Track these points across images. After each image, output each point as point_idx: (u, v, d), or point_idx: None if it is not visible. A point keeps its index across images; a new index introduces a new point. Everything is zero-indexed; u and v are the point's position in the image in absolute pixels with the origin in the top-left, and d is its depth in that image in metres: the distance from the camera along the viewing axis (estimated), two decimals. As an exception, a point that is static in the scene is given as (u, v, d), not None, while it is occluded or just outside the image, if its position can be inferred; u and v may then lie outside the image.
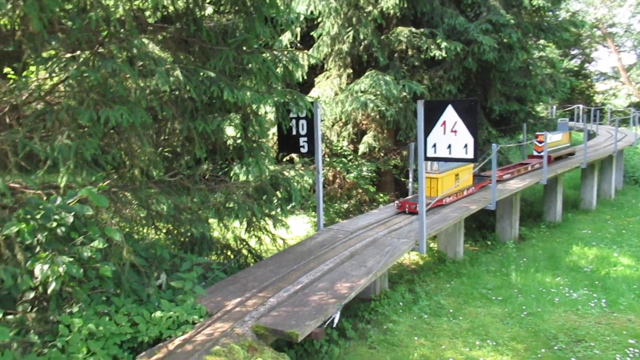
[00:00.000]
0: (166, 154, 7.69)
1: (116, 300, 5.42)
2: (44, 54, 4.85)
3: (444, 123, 7.48)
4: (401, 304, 7.92)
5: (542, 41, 16.19)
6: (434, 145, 7.62)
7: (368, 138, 12.34)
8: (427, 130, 7.62)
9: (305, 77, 12.41)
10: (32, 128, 4.40)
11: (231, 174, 10.42)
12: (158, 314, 5.36)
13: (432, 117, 7.54)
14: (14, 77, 5.29)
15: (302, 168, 9.69)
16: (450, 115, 7.40)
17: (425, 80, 12.33)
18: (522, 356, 6.41)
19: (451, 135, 7.45)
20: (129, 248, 5.65)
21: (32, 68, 5.34)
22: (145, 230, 7.72)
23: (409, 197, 10.99)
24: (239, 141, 7.99)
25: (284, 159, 12.75)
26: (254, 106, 7.58)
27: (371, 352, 6.44)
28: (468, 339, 6.89)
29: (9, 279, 4.06)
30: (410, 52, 12.16)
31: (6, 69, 5.26)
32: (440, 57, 11.63)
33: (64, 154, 4.26)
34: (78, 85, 4.40)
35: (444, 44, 11.47)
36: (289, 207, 12.58)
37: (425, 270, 9.94)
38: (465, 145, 7.37)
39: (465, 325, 7.36)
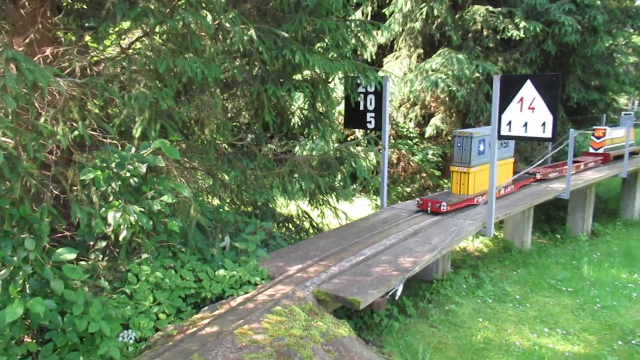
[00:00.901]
0: (235, 122, 7.77)
1: (182, 256, 5.52)
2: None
3: (521, 99, 7.09)
4: (464, 286, 7.64)
5: (629, 29, 15.17)
6: (509, 123, 7.24)
7: (436, 120, 12.00)
8: (503, 107, 7.26)
9: (374, 57, 12.21)
10: (111, 77, 4.50)
11: (296, 149, 10.43)
12: (221, 272, 5.41)
13: (508, 93, 7.17)
14: (93, 44, 5.46)
15: (367, 145, 9.51)
16: (528, 91, 7.01)
17: (499, 62, 11.81)
18: (595, 347, 6.01)
19: (528, 112, 7.06)
20: (196, 206, 5.72)
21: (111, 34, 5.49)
22: (210, 199, 7.85)
23: (433, 194, 9.67)
24: (305, 112, 7.95)
25: (349, 138, 12.63)
26: (323, 75, 7.50)
27: (432, 330, 6.24)
28: (535, 326, 6.55)
29: (84, 218, 4.18)
30: (485, 33, 11.67)
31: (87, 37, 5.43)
32: (517, 38, 11.08)
33: (140, 101, 4.33)
34: (157, 37, 4.44)
35: (522, 24, 10.92)
36: (353, 186, 12.50)
37: (490, 258, 9.57)
38: (544, 124, 6.96)
39: (532, 313, 7.01)
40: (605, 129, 13.04)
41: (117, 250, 5.30)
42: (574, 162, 12.36)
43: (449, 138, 12.46)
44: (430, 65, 10.68)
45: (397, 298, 5.52)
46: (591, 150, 13.92)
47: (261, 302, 5.00)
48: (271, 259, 6.11)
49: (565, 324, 6.70)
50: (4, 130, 3.44)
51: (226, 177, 7.48)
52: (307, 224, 8.35)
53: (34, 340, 4.03)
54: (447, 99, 11.74)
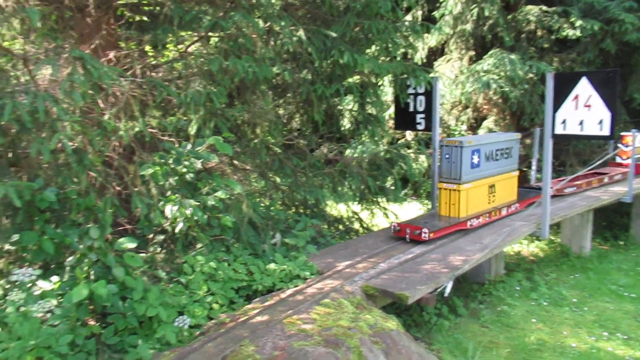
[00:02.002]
0: (286, 128, 7.96)
1: (234, 250, 5.71)
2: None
3: (576, 97, 6.91)
4: (518, 289, 7.46)
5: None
6: (564, 122, 7.07)
7: (488, 123, 11.80)
8: (557, 105, 7.09)
9: (425, 61, 12.18)
10: (168, 77, 4.77)
11: (346, 152, 10.55)
12: (272, 266, 5.57)
13: (562, 91, 7.00)
14: (151, 52, 5.80)
15: (418, 147, 9.49)
16: (584, 88, 6.82)
17: (554, 62, 11.50)
18: (659, 354, 5.73)
19: (584, 110, 6.87)
20: (248, 203, 5.92)
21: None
22: (262, 200, 8.07)
23: (417, 217, 7.73)
24: (355, 114, 8.05)
25: (399, 141, 12.61)
26: (372, 78, 7.59)
27: (483, 330, 6.14)
28: (594, 330, 6.32)
29: (144, 209, 4.43)
30: (539, 33, 11.41)
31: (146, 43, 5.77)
32: (573, 37, 10.76)
33: (195, 100, 4.56)
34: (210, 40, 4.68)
35: (578, 23, 10.60)
36: (404, 191, 12.46)
37: (546, 262, 9.28)
38: (601, 121, 6.75)
39: (591, 317, 6.76)
40: (634, 135, 10.42)
41: (174, 243, 5.56)
42: (599, 173, 10.72)
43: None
44: (482, 67, 10.55)
45: (446, 295, 5.49)
46: (618, 159, 11.70)
47: (310, 295, 5.11)
48: (320, 255, 6.22)
49: (627, 329, 6.42)
50: (72, 124, 3.74)
51: (277, 179, 7.68)
52: (356, 225, 8.42)
53: (97, 324, 4.29)
54: (499, 100, 11.53)
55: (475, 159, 7.23)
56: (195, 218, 4.91)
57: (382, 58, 6.99)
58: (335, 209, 9.54)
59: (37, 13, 3.30)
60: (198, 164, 4.94)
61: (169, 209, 4.81)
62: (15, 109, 3.45)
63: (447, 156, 7.13)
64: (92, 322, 4.32)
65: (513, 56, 10.41)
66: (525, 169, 12.47)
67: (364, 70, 6.76)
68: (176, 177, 4.96)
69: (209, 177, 5.61)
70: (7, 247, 4.24)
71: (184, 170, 4.92)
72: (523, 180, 12.81)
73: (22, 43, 4.56)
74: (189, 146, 4.92)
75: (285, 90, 7.23)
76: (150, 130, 4.81)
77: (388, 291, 5.16)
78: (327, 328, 4.45)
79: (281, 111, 7.93)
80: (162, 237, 5.67)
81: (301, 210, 7.93)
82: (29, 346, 3.67)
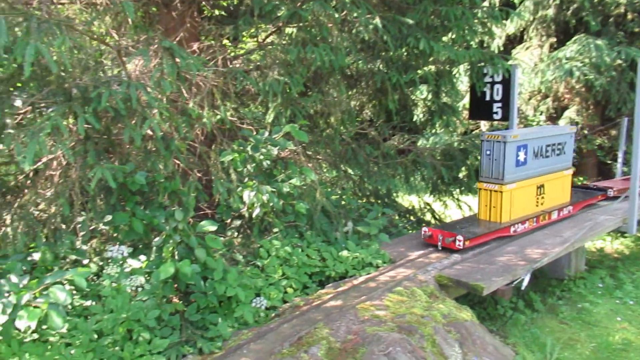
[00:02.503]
0: (358, 118, 7.98)
1: (308, 237, 5.83)
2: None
3: (671, 83, 6.44)
4: (600, 286, 7.10)
5: None
6: (656, 111, 6.61)
7: (570, 113, 11.23)
8: (648, 93, 6.65)
9: (502, 49, 11.76)
10: (248, 67, 4.93)
11: (419, 143, 10.40)
12: (345, 253, 5.63)
13: (655, 78, 6.55)
14: (229, 45, 5.99)
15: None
16: (680, 73, 6.35)
17: (646, 48, 10.74)
18: None
19: (679, 97, 6.39)
20: (321, 191, 6.01)
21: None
22: (334, 189, 8.16)
23: (452, 221, 7.25)
24: (429, 103, 7.93)
25: (473, 132, 12.29)
26: (448, 67, 7.44)
27: (562, 326, 5.91)
28: (685, 332, 5.91)
29: (224, 193, 4.62)
30: (629, 16, 10.69)
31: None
32: (669, 19, 10.01)
33: (274, 88, 4.69)
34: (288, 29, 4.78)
35: (674, 4, 9.84)
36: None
37: (632, 260, 8.75)
38: (700, 111, 6.26)
39: (682, 319, 6.32)
40: None
41: (250, 228, 5.76)
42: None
43: (585, 132, 11.60)
44: (564, 54, 10.04)
45: (523, 288, 5.33)
46: None
47: (382, 282, 5.13)
48: (393, 244, 6.22)
49: None
50: (161, 111, 3.96)
51: (349, 169, 7.73)
52: (428, 216, 8.32)
53: (180, 302, 4.54)
54: (582, 89, 10.94)
55: (522, 156, 6.43)
56: (271, 204, 5.05)
57: (458, 46, 6.84)
58: (407, 200, 9.47)
59: (131, 6, 3.51)
60: (274, 151, 5.07)
61: (247, 195, 4.97)
62: (110, 97, 3.71)
63: (487, 152, 6.38)
64: (175, 300, 4.57)
65: (599, 42, 9.83)
66: (611, 162, 11.81)
67: (439, 58, 6.65)
68: (253, 164, 5.12)
69: (284, 165, 5.76)
70: (101, 227, 4.57)
71: (261, 157, 5.07)
72: (604, 173, 12.15)
73: (115, 36, 4.86)
74: (266, 134, 5.06)
75: (358, 80, 7.25)
76: (230, 118, 4.98)
77: (462, 281, 5.09)
78: (400, 315, 4.46)
79: (353, 102, 7.96)
80: (239, 222, 5.88)
81: (372, 200, 7.94)
82: (120, 319, 3.95)
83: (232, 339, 4.21)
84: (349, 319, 4.36)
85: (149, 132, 4.17)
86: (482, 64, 7.48)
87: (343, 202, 6.86)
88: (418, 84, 6.78)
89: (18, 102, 4.19)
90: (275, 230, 5.55)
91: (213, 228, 4.56)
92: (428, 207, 8.32)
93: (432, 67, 7.50)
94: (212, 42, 5.73)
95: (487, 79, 8.10)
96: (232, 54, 5.99)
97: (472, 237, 5.81)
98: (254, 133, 5.10)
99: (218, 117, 4.79)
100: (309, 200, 5.85)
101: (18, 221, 4.03)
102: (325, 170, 7.93)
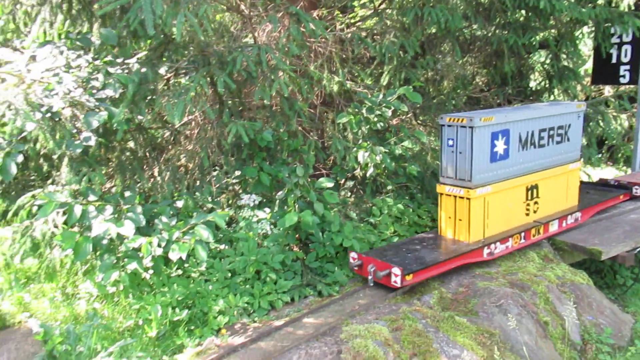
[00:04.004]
0: (472, 83, 7.88)
1: (418, 198, 5.99)
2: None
3: None
4: None
5: None
6: None
7: None
8: None
9: (633, 7, 10.83)
10: (365, 31, 5.13)
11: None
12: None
13: None
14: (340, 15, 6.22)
15: (620, 104, 8.61)
16: None
17: None
18: None
19: None
20: (432, 154, 6.12)
21: None
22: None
23: (388, 244, 4.97)
24: (547, 66, 7.63)
25: (595, 98, 11.52)
26: (569, 27, 7.10)
27: (690, 300, 5.57)
28: None
29: (341, 151, 4.91)
30: None
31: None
32: None
33: (390, 50, 4.85)
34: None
35: None
36: (598, 155, 11.43)
37: None
38: None
39: None
40: None
41: (363, 188, 6.03)
42: None
43: None
44: None
45: (646, 257, 5.08)
46: None
47: (494, 243, 5.18)
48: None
49: None
50: (288, 73, 4.30)
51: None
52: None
53: (300, 250, 4.94)
54: None
55: (500, 146, 4.68)
56: (384, 165, 5.27)
57: (583, 3, 6.50)
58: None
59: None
60: (389, 113, 5.26)
61: (361, 155, 5.23)
62: (243, 61, 4.10)
63: (450, 143, 4.65)
64: (296, 249, 4.99)
65: None
66: None
67: (561, 18, 6.38)
68: (367, 126, 5.35)
69: (396, 129, 5.93)
70: (232, 181, 5.08)
71: (375, 119, 5.29)
72: None
73: (246, 4, 5.26)
74: (381, 96, 5.25)
75: (473, 45, 7.15)
76: (347, 82, 5.24)
77: (579, 245, 4.99)
78: (512, 273, 4.52)
79: (467, 68, 7.86)
80: (352, 182, 6.18)
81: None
82: (250, 261, 4.42)
83: (348, 285, 4.55)
84: (460, 274, 4.50)
85: (275, 93, 4.54)
86: (609, 24, 7.02)
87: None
88: (537, 47, 6.56)
89: (162, 70, 4.75)
90: (387, 192, 5.76)
91: (330, 184, 4.88)
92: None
93: (553, 30, 7.18)
94: (327, 12, 6.00)
95: (614, 40, 7.60)
96: (346, 22, 6.21)
97: (417, 270, 4.11)
98: (369, 96, 5.31)
99: (336, 80, 5.06)
100: (420, 163, 5.99)
101: (165, 172, 4.62)
102: (434, 137, 7.98)
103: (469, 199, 4.56)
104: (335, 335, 3.52)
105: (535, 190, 5.13)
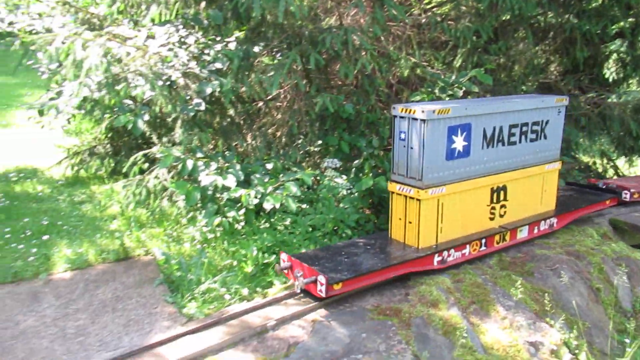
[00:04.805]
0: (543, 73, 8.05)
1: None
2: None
3: None
4: None
5: None
6: None
7: None
8: None
9: None
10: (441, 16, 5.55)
11: (608, 100, 9.96)
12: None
13: None
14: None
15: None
16: None
17: None
18: None
19: None
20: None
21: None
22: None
23: (323, 247, 4.47)
24: (622, 55, 7.69)
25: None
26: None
27: None
28: None
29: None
30: None
31: None
32: None
33: (464, 34, 5.25)
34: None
35: None
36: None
37: None
38: None
39: None
40: None
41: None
42: None
43: None
44: None
45: None
46: None
47: (555, 219, 5.51)
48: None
49: None
50: (371, 52, 4.82)
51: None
52: (610, 172, 8.17)
53: (373, 213, 5.49)
54: None
55: (459, 143, 4.22)
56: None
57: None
58: (587, 156, 9.28)
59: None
60: (460, 94, 5.66)
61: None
62: (332, 41, 4.66)
63: (402, 137, 4.19)
64: (368, 212, 5.54)
65: None
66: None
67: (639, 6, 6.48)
68: (440, 105, 5.78)
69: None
70: (313, 149, 5.68)
71: (447, 98, 5.71)
72: None
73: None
74: (454, 77, 5.66)
75: (546, 33, 7.34)
76: (422, 62, 5.68)
77: (638, 225, 5.23)
78: (569, 245, 4.87)
79: (540, 55, 8.03)
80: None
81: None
82: (329, 218, 5.01)
83: (415, 246, 5.05)
84: (519, 243, 4.90)
85: (357, 70, 5.07)
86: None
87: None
88: (612, 35, 6.69)
89: (256, 48, 5.39)
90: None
91: (403, 156, 5.36)
92: (611, 164, 8.16)
93: (631, 19, 7.23)
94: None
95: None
96: (422, 8, 6.62)
97: (347, 279, 3.67)
98: (442, 76, 5.73)
99: (412, 61, 5.52)
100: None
101: (257, 138, 5.29)
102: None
103: (419, 200, 4.08)
104: (404, 282, 4.05)
105: (502, 193, 4.65)
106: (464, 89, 5.67)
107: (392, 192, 4.32)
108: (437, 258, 4.20)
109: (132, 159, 5.53)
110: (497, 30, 6.48)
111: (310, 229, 5.04)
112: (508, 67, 7.13)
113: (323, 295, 3.61)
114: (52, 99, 6.36)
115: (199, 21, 5.05)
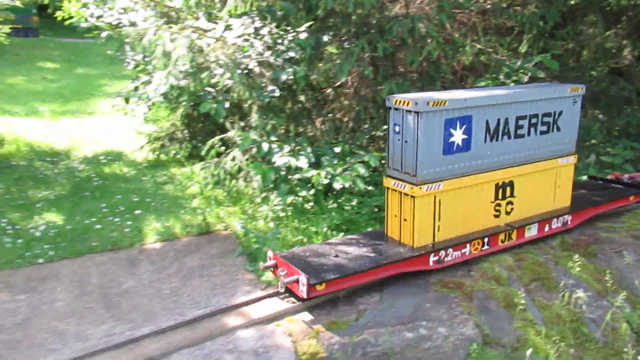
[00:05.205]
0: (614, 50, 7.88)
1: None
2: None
3: None
4: None
5: None
6: None
7: None
8: None
9: None
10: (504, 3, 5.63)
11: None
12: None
13: None
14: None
15: None
16: None
17: None
18: None
19: None
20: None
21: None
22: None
23: (312, 244, 4.35)
24: None
25: None
26: None
27: None
28: None
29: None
30: None
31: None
32: None
33: (531, 20, 5.31)
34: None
35: None
36: None
37: None
38: None
39: None
40: None
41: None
42: None
43: None
44: None
45: None
46: None
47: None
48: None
49: None
50: (437, 39, 5.00)
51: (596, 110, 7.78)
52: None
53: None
54: None
55: (458, 136, 3.95)
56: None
57: None
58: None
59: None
60: (525, 79, 5.72)
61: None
62: (399, 29, 4.87)
63: (396, 129, 3.95)
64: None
65: None
66: None
67: None
68: (504, 90, 5.86)
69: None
70: (379, 133, 5.93)
71: (512, 84, 5.78)
72: None
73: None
74: (519, 63, 5.73)
75: (618, 16, 7.19)
76: (487, 49, 5.79)
77: None
78: (635, 229, 4.88)
79: (611, 39, 7.86)
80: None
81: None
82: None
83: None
84: (583, 227, 4.95)
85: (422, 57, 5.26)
86: None
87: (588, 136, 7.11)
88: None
89: (326, 38, 5.68)
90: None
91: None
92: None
93: None
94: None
95: None
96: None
97: (332, 280, 3.54)
98: (507, 62, 5.81)
99: (477, 47, 5.64)
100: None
101: (326, 123, 5.60)
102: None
103: (413, 196, 3.87)
104: (467, 260, 4.25)
105: (509, 189, 4.36)
106: (529, 74, 5.73)
107: (388, 188, 4.10)
108: (433, 258, 3.98)
109: (209, 143, 5.99)
110: (565, 15, 6.45)
111: (376, 209, 5.31)
112: (577, 52, 7.06)
113: (304, 296, 3.44)
114: (136, 88, 6.95)
115: (272, 12, 5.39)
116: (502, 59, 5.78)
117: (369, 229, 4.71)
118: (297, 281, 3.49)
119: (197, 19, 5.76)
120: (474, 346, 3.39)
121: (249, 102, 5.17)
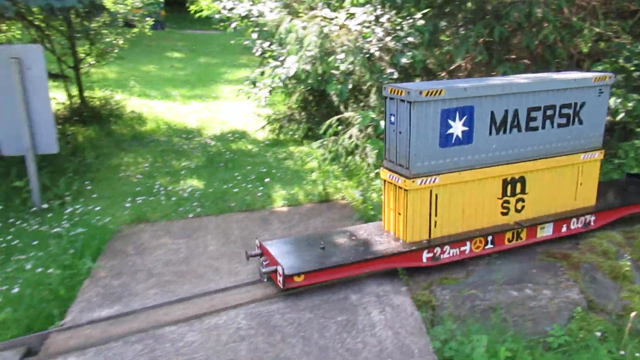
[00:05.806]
0: None
1: (668, 147, 6.22)
2: None
3: None
4: None
5: None
6: None
7: None
8: None
9: None
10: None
11: None
12: None
13: None
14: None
15: None
16: None
17: None
18: None
19: None
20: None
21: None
22: None
23: (304, 235, 4.30)
24: None
25: None
26: None
27: None
28: None
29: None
30: None
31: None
32: None
33: (655, 2, 5.26)
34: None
35: None
36: None
37: None
38: None
39: None
40: None
41: (611, 133, 6.50)
42: None
43: None
44: None
45: None
46: None
47: None
48: None
49: None
50: (554, 23, 5.15)
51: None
52: None
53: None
54: None
55: (457, 128, 3.71)
56: (636, 113, 5.71)
57: None
58: None
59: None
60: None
61: (613, 101, 5.77)
62: (516, 14, 5.08)
63: (392, 120, 3.80)
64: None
65: None
66: None
67: None
68: (623, 74, 5.83)
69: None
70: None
71: (632, 68, 5.74)
72: None
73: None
74: (640, 47, 5.67)
75: None
76: (607, 33, 5.79)
77: None
78: None
79: None
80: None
81: None
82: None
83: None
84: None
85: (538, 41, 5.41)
86: None
87: None
88: None
89: (443, 23, 6.00)
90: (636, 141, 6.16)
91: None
92: None
93: None
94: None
95: None
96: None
97: (311, 272, 3.51)
98: (629, 47, 5.77)
99: (596, 31, 5.66)
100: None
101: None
102: None
103: (405, 190, 3.72)
104: (574, 235, 4.44)
105: (519, 185, 4.09)
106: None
107: (384, 180, 3.98)
108: (426, 254, 3.82)
109: (327, 122, 6.56)
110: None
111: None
112: None
113: (281, 286, 3.47)
114: (262, 73, 7.69)
115: (392, 0, 5.81)
116: (622, 43, 5.75)
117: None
118: (275, 271, 3.52)
119: (322, 9, 6.33)
120: (578, 309, 3.62)
121: (368, 84, 5.64)
